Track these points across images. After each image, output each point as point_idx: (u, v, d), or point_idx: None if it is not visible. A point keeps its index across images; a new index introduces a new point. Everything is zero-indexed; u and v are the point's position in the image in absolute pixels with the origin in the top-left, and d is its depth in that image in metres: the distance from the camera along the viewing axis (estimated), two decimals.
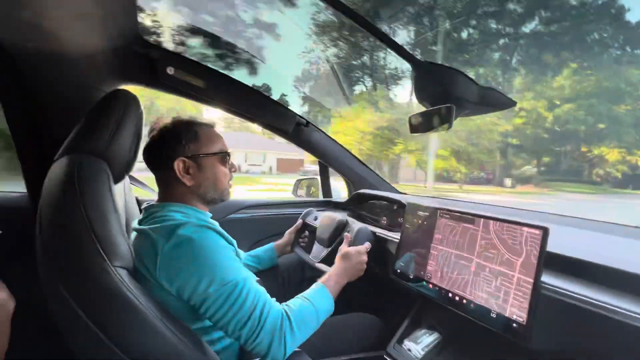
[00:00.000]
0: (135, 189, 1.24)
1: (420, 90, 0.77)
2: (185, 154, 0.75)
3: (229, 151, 0.82)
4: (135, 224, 0.76)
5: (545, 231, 0.67)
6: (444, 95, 0.73)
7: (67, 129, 0.74)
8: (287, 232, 1.23)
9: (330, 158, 1.59)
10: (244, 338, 0.64)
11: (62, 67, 0.87)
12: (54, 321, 0.59)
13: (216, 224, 0.75)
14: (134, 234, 0.74)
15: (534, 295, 0.65)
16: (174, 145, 0.75)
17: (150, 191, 1.27)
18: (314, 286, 0.80)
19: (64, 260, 0.58)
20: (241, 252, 1.10)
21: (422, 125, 0.82)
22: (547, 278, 0.67)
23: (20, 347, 0.81)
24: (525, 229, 0.70)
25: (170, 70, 1.06)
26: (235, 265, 0.68)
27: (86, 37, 0.81)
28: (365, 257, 0.92)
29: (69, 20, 0.73)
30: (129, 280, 0.60)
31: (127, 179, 1.00)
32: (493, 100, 0.73)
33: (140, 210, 0.79)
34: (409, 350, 0.89)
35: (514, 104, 0.73)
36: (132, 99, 0.76)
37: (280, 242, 1.21)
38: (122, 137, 0.73)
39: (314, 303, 0.75)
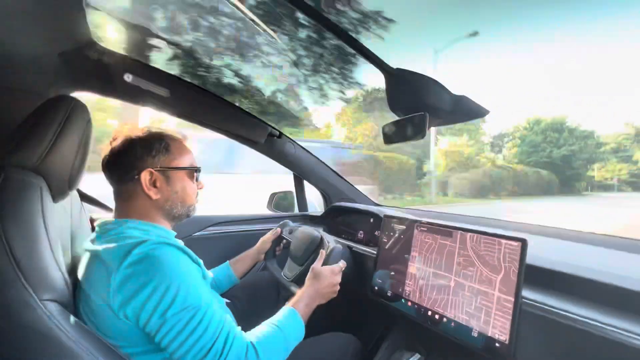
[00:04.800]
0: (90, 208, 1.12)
1: (393, 99, 0.74)
2: (154, 165, 0.70)
3: (199, 167, 0.78)
4: (86, 244, 0.67)
5: (524, 243, 0.64)
6: (417, 103, 0.70)
7: (1, 139, 0.65)
8: (262, 238, 1.16)
9: (305, 170, 1.54)
10: None
11: None
12: None
13: (179, 242, 0.69)
14: (85, 256, 0.65)
15: (515, 314, 0.62)
16: (143, 156, 0.69)
17: (106, 210, 1.16)
18: (283, 310, 0.74)
19: None
20: (208, 273, 1.02)
21: (396, 135, 0.79)
22: (529, 293, 0.64)
23: None
24: (503, 241, 0.68)
25: (128, 78, 0.98)
26: (199, 287, 0.62)
27: (24, 39, 0.72)
28: (338, 278, 0.86)
29: (1, 19, 0.65)
30: (60, 316, 0.52)
31: (76, 195, 0.90)
32: (466, 109, 0.71)
33: (93, 229, 0.71)
34: None
35: (486, 112, 0.71)
36: (77, 106, 0.68)
37: (251, 250, 1.13)
38: (62, 148, 0.64)
39: (283, 330, 0.69)
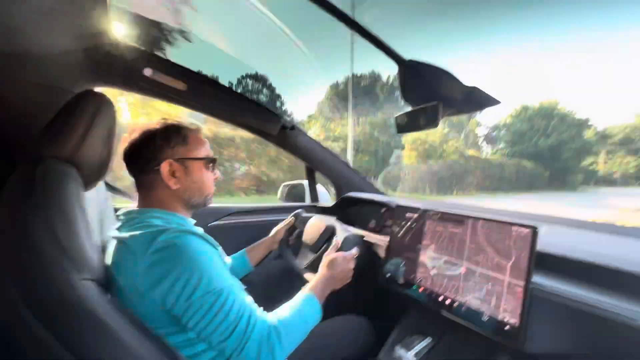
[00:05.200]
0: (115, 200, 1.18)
1: (406, 89, 0.76)
2: (173, 156, 0.72)
3: (215, 157, 0.81)
4: (112, 231, 0.71)
5: (534, 230, 0.66)
6: (430, 93, 0.71)
7: (35, 132, 0.69)
8: (276, 228, 1.18)
9: (317, 162, 1.56)
10: (229, 350, 0.61)
11: (25, 67, 0.82)
12: (7, 339, 0.53)
13: (200, 230, 0.72)
14: (112, 243, 0.70)
15: (525, 299, 0.63)
16: (163, 147, 0.72)
17: (130, 200, 1.21)
18: (301, 294, 0.77)
19: (24, 274, 0.53)
20: (227, 258, 1.06)
21: (409, 124, 0.80)
22: (540, 278, 0.66)
23: None
24: (514, 228, 0.69)
25: (147, 72, 1.02)
26: (220, 272, 0.65)
27: (52, 36, 0.76)
28: (352, 264, 0.89)
29: (32, 17, 0.68)
30: (97, 294, 0.56)
31: (103, 186, 0.95)
32: (478, 99, 0.72)
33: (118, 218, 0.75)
34: (401, 357, 0.86)
35: (497, 102, 0.72)
36: (104, 100, 0.72)
37: (266, 239, 1.16)
38: (93, 140, 0.68)
39: (302, 312, 0.72)
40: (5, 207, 0.58)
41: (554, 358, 0.63)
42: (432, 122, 0.73)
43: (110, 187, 1.13)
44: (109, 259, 0.68)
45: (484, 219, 0.76)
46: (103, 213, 0.86)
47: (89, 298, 0.54)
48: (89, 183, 0.71)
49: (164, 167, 0.71)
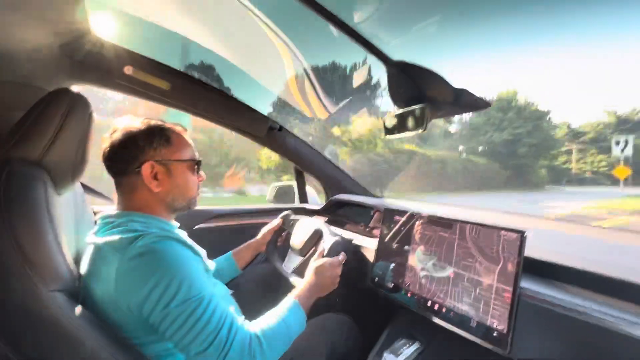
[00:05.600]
0: (93, 200, 1.13)
1: (394, 91, 0.74)
2: (155, 158, 0.69)
3: (199, 159, 0.78)
4: (89, 236, 0.68)
5: (522, 235, 0.65)
6: (418, 95, 0.70)
7: (4, 132, 0.65)
8: (263, 230, 1.15)
9: (306, 163, 1.54)
10: None
11: None
12: None
13: (181, 235, 0.69)
14: (88, 248, 0.66)
15: (513, 305, 0.63)
16: (145, 148, 0.69)
17: (109, 202, 1.17)
18: (286, 301, 0.75)
19: None
20: (210, 264, 1.03)
21: (397, 127, 0.79)
22: (529, 284, 0.65)
23: None
24: (502, 232, 0.68)
25: (128, 70, 0.98)
26: (201, 280, 0.62)
27: (24, 31, 0.72)
28: (338, 271, 0.87)
29: (0, 11, 0.64)
30: (68, 306, 0.53)
31: (80, 188, 0.91)
32: (467, 101, 0.71)
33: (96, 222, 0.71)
34: None
35: (487, 105, 0.72)
36: (79, 99, 0.68)
37: (253, 241, 1.13)
38: (65, 142, 0.65)
39: (286, 320, 0.70)
40: None
41: None
42: (420, 124, 0.72)
43: (88, 189, 1.08)
44: (84, 266, 0.65)
45: (472, 223, 0.75)
46: (80, 217, 0.82)
47: (55, 309, 0.51)
48: (61, 186, 0.68)
49: (146, 169, 0.68)
